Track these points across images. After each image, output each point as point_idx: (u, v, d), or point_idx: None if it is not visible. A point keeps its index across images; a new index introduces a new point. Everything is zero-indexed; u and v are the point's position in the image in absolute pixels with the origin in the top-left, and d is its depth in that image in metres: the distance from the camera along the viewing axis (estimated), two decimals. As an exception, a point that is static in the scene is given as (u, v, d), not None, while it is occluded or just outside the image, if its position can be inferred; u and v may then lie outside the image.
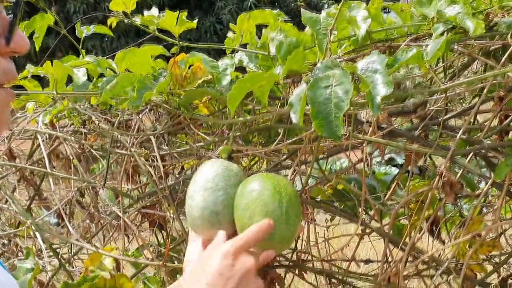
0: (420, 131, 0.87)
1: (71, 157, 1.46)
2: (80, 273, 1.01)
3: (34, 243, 1.68)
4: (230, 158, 0.93)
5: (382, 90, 0.68)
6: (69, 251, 1.56)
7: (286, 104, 0.95)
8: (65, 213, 1.41)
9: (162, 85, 0.92)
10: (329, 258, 1.14)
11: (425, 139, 0.92)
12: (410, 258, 1.02)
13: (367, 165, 1.15)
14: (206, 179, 0.84)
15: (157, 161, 1.04)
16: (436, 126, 0.92)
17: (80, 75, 1.13)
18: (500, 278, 0.98)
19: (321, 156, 1.03)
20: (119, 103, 0.98)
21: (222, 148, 0.92)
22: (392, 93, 0.69)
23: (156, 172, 1.13)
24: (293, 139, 0.92)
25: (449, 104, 1.00)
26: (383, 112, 0.95)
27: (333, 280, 1.23)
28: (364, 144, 0.89)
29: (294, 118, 0.76)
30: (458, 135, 0.79)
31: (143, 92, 0.91)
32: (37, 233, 1.26)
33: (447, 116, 0.89)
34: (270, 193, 0.80)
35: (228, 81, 0.99)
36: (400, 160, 6.00)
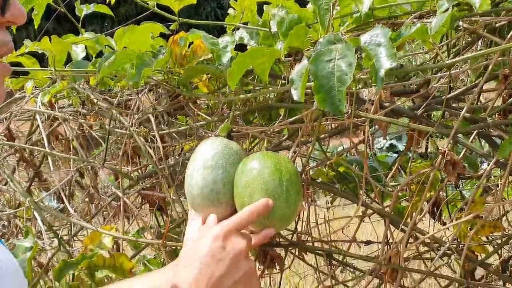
0: (423, 110, 0.86)
1: (70, 138, 1.45)
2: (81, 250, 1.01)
3: (34, 225, 1.68)
4: (229, 136, 0.92)
5: (386, 63, 0.67)
6: (69, 232, 1.56)
7: (288, 82, 0.94)
8: (65, 194, 1.40)
9: (161, 61, 0.91)
10: (329, 239, 1.13)
11: (428, 119, 0.90)
12: (411, 240, 1.02)
13: (369, 146, 1.14)
14: (205, 157, 0.84)
15: (156, 141, 1.03)
16: (439, 106, 0.90)
17: (78, 51, 1.11)
18: (501, 259, 0.97)
19: (322, 136, 1.01)
20: (117, 79, 0.96)
21: (222, 126, 0.90)
22: (395, 69, 0.68)
23: (155, 153, 1.12)
24: (294, 118, 0.91)
25: (452, 83, 0.99)
26: (386, 91, 0.94)
27: (333, 262, 1.22)
28: (366, 123, 0.88)
29: (295, 94, 0.75)
30: (462, 113, 0.78)
31: (141, 69, 0.89)
32: (36, 214, 1.26)
33: (451, 94, 0.87)
34: (271, 171, 0.79)
35: (228, 58, 0.97)
36: (401, 146, 6.00)
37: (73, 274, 1.05)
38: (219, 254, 0.70)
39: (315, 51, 0.71)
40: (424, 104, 0.86)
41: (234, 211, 0.84)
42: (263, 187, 0.78)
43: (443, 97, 0.90)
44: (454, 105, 1.00)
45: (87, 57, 1.39)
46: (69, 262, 0.95)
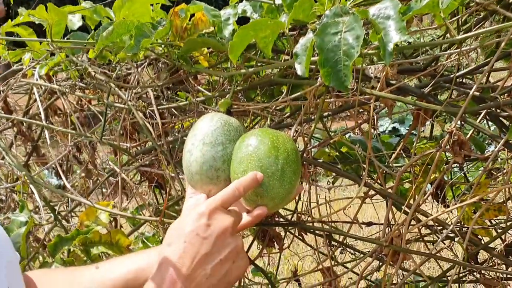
0: (431, 88, 0.83)
1: (68, 112, 1.43)
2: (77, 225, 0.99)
3: (32, 200, 1.66)
4: (229, 112, 0.89)
5: (395, 36, 0.64)
6: (67, 208, 1.55)
7: (291, 57, 0.91)
8: (62, 169, 1.38)
9: (161, 32, 0.87)
10: (329, 219, 1.11)
11: (436, 98, 0.87)
12: (413, 222, 1.00)
13: (373, 126, 1.12)
14: (205, 133, 0.81)
15: (155, 116, 1.00)
16: (447, 85, 0.87)
17: (75, 20, 1.08)
18: (505, 243, 0.95)
19: (325, 114, 0.98)
20: (115, 51, 0.93)
21: (222, 101, 0.88)
22: (403, 45, 0.65)
23: (154, 129, 1.09)
24: (296, 94, 0.88)
25: (461, 62, 0.95)
26: (393, 68, 0.90)
27: (333, 243, 1.21)
28: (372, 101, 0.85)
29: (299, 69, 0.72)
30: (471, 91, 0.75)
31: (140, 40, 0.86)
32: (33, 188, 1.24)
33: (460, 72, 0.84)
34: (267, 148, 0.77)
35: (230, 31, 0.94)
36: (403, 130, 5.96)
37: (69, 250, 1.03)
38: (204, 232, 0.69)
39: (321, 23, 0.68)
40: (432, 82, 0.83)
41: None
42: (257, 164, 0.75)
43: (451, 75, 0.87)
44: (463, 84, 0.97)
45: (86, 30, 1.35)
46: (64, 238, 0.93)
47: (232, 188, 0.74)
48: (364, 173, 0.85)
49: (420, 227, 1.10)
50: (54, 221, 1.04)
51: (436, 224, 0.91)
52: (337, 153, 1.28)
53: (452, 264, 0.87)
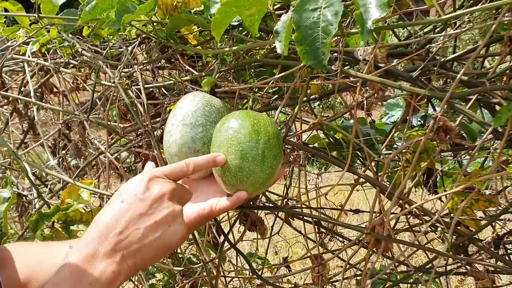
0: (420, 71, 0.80)
1: (62, 91, 1.42)
2: (58, 202, 0.98)
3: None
4: (213, 92, 0.87)
5: (375, 13, 0.61)
6: (60, 185, 1.55)
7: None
8: (54, 149, 1.38)
9: (144, 8, 0.85)
10: (318, 205, 1.09)
11: (425, 83, 0.84)
12: (400, 210, 0.97)
13: (367, 112, 1.09)
14: (185, 113, 0.79)
15: (141, 94, 0.98)
16: (438, 69, 0.84)
17: (58, -4, 1.05)
18: (495, 234, 0.92)
19: (312, 96, 0.96)
20: (98, 27, 0.91)
21: (205, 80, 0.86)
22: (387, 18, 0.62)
23: (145, 109, 1.07)
24: (281, 74, 0.85)
25: (454, 46, 0.92)
26: (382, 51, 0.87)
27: (322, 230, 1.19)
28: (358, 84, 0.82)
29: (279, 47, 0.70)
30: (458, 76, 0.72)
31: (122, 15, 0.84)
32: (26, 166, 1.24)
33: (449, 57, 0.81)
34: (247, 132, 0.74)
35: (217, 9, 0.91)
36: (415, 121, 5.88)
37: (52, 225, 1.03)
38: (142, 194, 0.70)
39: (300, -1, 0.66)
40: (421, 66, 0.80)
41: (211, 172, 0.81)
42: (237, 148, 0.73)
43: (442, 60, 0.84)
44: (455, 69, 0.94)
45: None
46: (45, 214, 0.92)
47: (182, 163, 0.74)
48: (347, 158, 0.83)
49: (410, 216, 1.08)
50: (38, 197, 1.03)
51: (422, 213, 0.88)
52: (328, 140, 1.26)
53: (435, 254, 0.85)
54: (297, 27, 0.64)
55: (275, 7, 0.96)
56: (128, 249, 0.67)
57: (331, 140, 1.18)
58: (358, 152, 1.30)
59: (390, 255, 1.11)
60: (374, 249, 0.86)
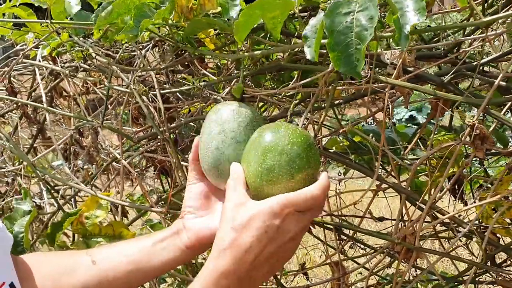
0: (452, 76, 0.76)
1: (73, 95, 1.39)
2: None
3: (37, 183, 1.64)
4: (242, 99, 0.84)
5: (413, 18, 0.57)
6: (72, 192, 1.52)
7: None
8: (66, 153, 1.35)
9: (162, 12, 0.82)
10: (340, 213, 1.06)
11: (456, 87, 0.81)
12: (428, 218, 0.94)
13: (388, 115, 1.05)
14: (235, 129, 0.73)
15: (157, 100, 0.95)
16: (470, 73, 0.80)
17: (73, 4, 1.02)
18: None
19: (337, 102, 0.92)
20: (114, 32, 0.88)
21: (235, 87, 0.82)
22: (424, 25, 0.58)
23: (159, 114, 1.05)
24: (307, 80, 0.82)
25: (485, 49, 0.88)
26: (410, 54, 0.84)
27: (343, 237, 1.15)
28: (387, 89, 0.79)
29: (309, 53, 0.66)
30: (497, 81, 0.68)
31: (140, 20, 0.81)
32: (38, 174, 1.21)
33: (484, 60, 0.77)
34: (301, 148, 0.68)
35: (236, 12, 0.88)
36: (421, 118, 5.82)
37: (73, 237, 1.00)
38: (274, 233, 0.64)
39: (331, 2, 0.62)
40: (453, 70, 0.77)
41: None
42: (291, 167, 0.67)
43: (474, 63, 0.81)
44: (486, 73, 0.90)
45: (92, 9, 1.30)
46: (57, 224, 0.89)
47: (306, 195, 0.66)
48: (376, 166, 0.80)
49: (418, 220, 1.04)
50: (58, 209, 1.01)
51: (453, 222, 0.85)
52: (348, 143, 1.22)
53: (469, 264, 0.81)
54: (329, 32, 0.60)
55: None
56: None
57: (351, 144, 1.15)
58: (377, 157, 1.27)
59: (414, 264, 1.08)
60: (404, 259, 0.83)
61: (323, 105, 0.89)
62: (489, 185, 0.97)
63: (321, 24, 0.64)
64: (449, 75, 0.77)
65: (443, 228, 1.08)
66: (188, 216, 0.81)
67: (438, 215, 0.82)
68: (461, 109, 0.88)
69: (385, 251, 0.96)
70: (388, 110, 0.92)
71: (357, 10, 0.60)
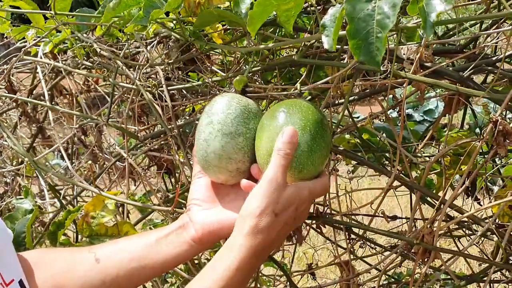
0: (471, 71, 0.74)
1: (73, 93, 1.36)
2: (82, 216, 0.93)
3: (38, 183, 1.60)
4: (244, 92, 0.82)
5: (438, 6, 0.56)
6: (73, 192, 1.49)
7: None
8: (67, 152, 1.32)
9: (173, 3, 0.80)
10: (351, 212, 1.04)
11: (475, 83, 0.79)
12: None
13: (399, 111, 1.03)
14: (223, 121, 0.73)
15: (164, 97, 0.93)
16: (490, 68, 0.78)
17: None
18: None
19: (351, 98, 0.90)
20: (122, 24, 0.85)
21: (237, 79, 0.80)
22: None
23: (164, 111, 1.02)
24: (324, 80, 0.79)
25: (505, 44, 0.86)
26: (427, 49, 0.82)
27: (352, 236, 1.13)
28: (405, 85, 0.76)
29: (326, 42, 0.64)
30: (521, 74, 0.66)
31: (150, 11, 0.78)
32: (38, 174, 1.18)
33: (509, 52, 0.75)
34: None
35: (247, 5, 0.86)
36: (417, 116, 5.79)
37: (76, 238, 0.98)
38: (295, 218, 0.70)
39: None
40: (473, 65, 0.75)
41: (250, 176, 0.75)
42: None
43: (493, 58, 0.79)
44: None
45: (93, 7, 1.27)
46: (59, 222, 0.87)
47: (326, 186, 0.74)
48: (394, 165, 0.77)
49: (437, 219, 1.02)
50: (60, 208, 0.98)
51: (471, 221, 0.83)
52: (358, 141, 1.20)
53: (488, 264, 0.80)
54: (349, 19, 0.58)
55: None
56: None
57: (361, 141, 1.13)
58: (387, 154, 1.25)
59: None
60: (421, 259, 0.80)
61: (336, 102, 0.87)
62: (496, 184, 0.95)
63: (340, 13, 0.62)
64: (468, 70, 0.75)
65: (455, 226, 1.06)
66: (194, 208, 0.79)
67: (456, 214, 0.80)
68: (485, 103, 0.86)
69: (398, 251, 0.94)
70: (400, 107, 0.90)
71: (380, -2, 0.58)
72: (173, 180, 1.57)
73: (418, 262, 0.79)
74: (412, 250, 0.80)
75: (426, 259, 0.80)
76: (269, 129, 0.70)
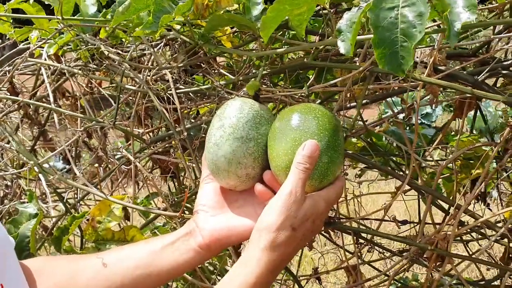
0: (487, 74, 0.73)
1: (77, 95, 1.35)
2: (87, 221, 0.91)
3: (38, 186, 1.58)
4: (256, 96, 0.81)
5: (463, 15, 0.55)
6: (75, 196, 1.47)
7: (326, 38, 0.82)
8: (71, 155, 1.30)
9: (182, 7, 0.79)
10: (360, 217, 1.03)
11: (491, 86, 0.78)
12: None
13: (407, 115, 1.03)
14: (235, 125, 0.72)
15: (173, 99, 0.91)
16: (505, 72, 0.78)
17: (88, 3, 0.98)
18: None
19: (364, 101, 0.89)
20: (131, 28, 0.84)
21: (250, 84, 0.79)
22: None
23: (170, 114, 1.01)
24: (336, 81, 0.79)
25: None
26: (441, 52, 0.81)
27: (361, 241, 1.13)
28: (419, 88, 0.76)
29: (343, 47, 0.63)
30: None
31: (159, 16, 0.77)
32: (41, 176, 1.16)
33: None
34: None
35: (259, 10, 0.85)
36: (413, 119, 5.78)
37: (81, 244, 0.96)
38: (312, 231, 0.69)
39: (373, -4, 0.59)
40: (488, 68, 0.74)
41: (262, 180, 0.74)
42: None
43: (504, 62, 0.78)
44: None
45: (98, 9, 1.26)
46: (63, 228, 0.85)
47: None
48: (406, 169, 0.77)
49: (459, 226, 1.02)
50: (65, 213, 0.96)
51: (485, 225, 0.82)
52: (364, 144, 1.19)
53: (504, 270, 0.79)
54: (374, 28, 0.57)
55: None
56: None
57: (369, 144, 1.12)
58: (393, 157, 1.24)
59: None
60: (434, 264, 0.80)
61: (348, 105, 0.86)
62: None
63: (359, 17, 0.61)
64: (483, 73, 0.75)
65: (464, 231, 1.06)
66: (201, 215, 0.77)
67: (467, 218, 0.80)
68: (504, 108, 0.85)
69: (407, 255, 0.93)
70: (413, 110, 0.89)
71: (402, 5, 0.57)
72: (176, 182, 1.56)
73: (431, 268, 0.78)
74: (425, 256, 0.79)
75: (438, 264, 0.80)
76: (285, 139, 0.68)
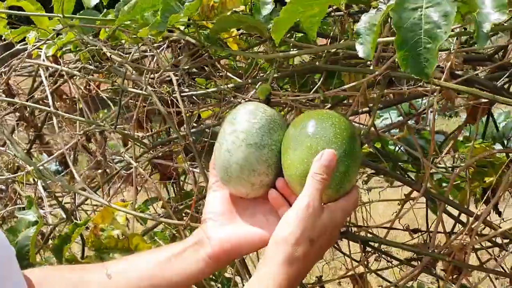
0: (507, 79, 0.71)
1: (76, 97, 1.31)
2: (87, 229, 0.88)
3: (34, 191, 1.54)
4: (268, 100, 0.78)
5: (493, 15, 0.52)
6: (72, 200, 1.43)
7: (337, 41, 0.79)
8: (70, 159, 1.27)
9: (191, 7, 0.76)
10: (367, 224, 1.00)
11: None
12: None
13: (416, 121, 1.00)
14: (248, 131, 0.69)
15: (176, 102, 0.88)
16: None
17: (91, -4, 0.95)
18: None
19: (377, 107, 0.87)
20: (136, 28, 0.81)
21: (261, 88, 0.76)
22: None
23: (175, 117, 0.98)
24: (353, 84, 0.76)
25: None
26: (458, 57, 0.79)
27: (368, 249, 1.10)
28: (436, 93, 0.73)
29: (362, 50, 0.60)
30: None
31: (167, 15, 0.74)
32: (39, 182, 1.13)
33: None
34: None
35: (269, 10, 0.83)
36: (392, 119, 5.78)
37: (82, 254, 0.92)
38: (330, 241, 0.67)
39: (396, -4, 0.56)
40: (508, 73, 0.71)
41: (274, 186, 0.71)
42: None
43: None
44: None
45: (98, 9, 1.23)
46: (65, 236, 0.82)
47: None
48: (425, 179, 0.74)
49: (471, 235, 1.00)
50: (66, 220, 0.93)
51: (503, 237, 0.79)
52: (371, 150, 1.17)
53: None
54: (396, 28, 0.55)
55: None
56: None
57: (378, 151, 1.09)
58: (400, 163, 1.22)
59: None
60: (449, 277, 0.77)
61: (360, 111, 0.83)
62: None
63: (379, 19, 0.59)
64: (502, 78, 0.72)
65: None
66: (210, 223, 0.74)
67: (489, 229, 0.77)
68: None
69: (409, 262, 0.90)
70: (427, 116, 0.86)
71: (426, 5, 0.55)
72: (176, 188, 1.53)
73: (447, 280, 0.76)
74: (442, 268, 0.76)
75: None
76: (301, 147, 0.65)
